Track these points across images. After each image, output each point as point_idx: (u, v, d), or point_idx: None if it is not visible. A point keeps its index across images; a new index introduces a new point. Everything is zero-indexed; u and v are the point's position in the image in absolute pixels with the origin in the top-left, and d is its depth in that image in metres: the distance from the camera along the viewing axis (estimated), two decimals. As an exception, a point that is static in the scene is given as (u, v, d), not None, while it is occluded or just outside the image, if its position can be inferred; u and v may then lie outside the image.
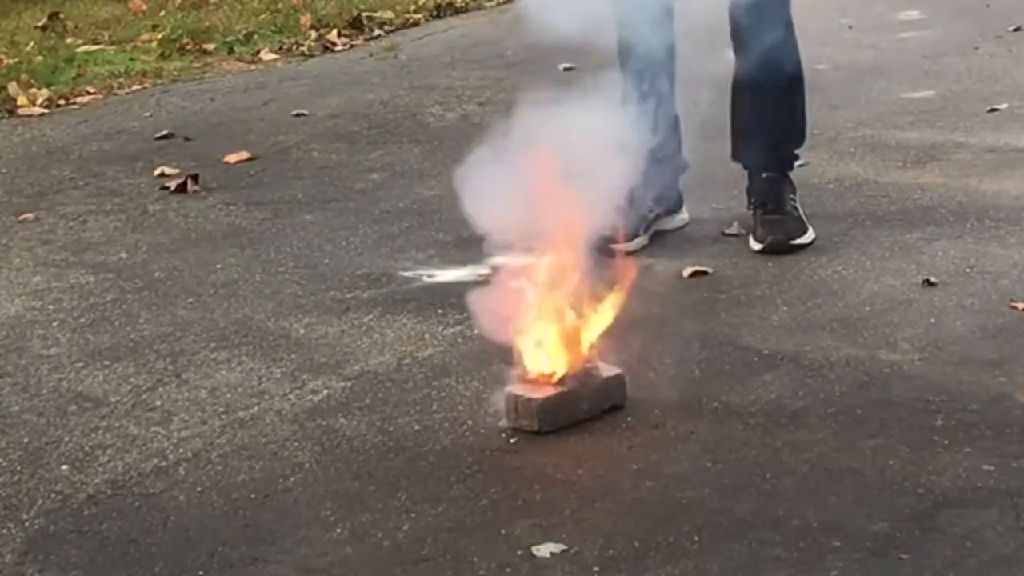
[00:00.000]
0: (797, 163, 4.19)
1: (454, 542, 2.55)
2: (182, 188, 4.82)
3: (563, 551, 2.49)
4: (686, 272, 3.77)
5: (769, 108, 4.04)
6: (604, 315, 3.04)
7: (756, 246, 3.94)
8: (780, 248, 3.90)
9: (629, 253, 3.70)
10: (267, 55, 7.13)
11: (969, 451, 2.74)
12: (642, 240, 4.00)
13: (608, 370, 3.01)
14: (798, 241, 3.93)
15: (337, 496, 2.74)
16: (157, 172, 5.04)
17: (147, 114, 6.00)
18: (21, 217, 4.66)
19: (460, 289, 3.73)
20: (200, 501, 2.76)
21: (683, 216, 4.20)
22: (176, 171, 5.00)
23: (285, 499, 2.75)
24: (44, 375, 3.41)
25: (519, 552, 2.50)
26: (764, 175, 4.07)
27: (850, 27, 6.81)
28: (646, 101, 3.72)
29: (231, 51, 7.19)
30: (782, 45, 3.95)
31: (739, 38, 3.98)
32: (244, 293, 3.86)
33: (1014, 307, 3.41)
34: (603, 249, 3.31)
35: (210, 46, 7.23)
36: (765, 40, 3.91)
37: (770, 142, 4.09)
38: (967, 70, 5.88)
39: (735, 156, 4.18)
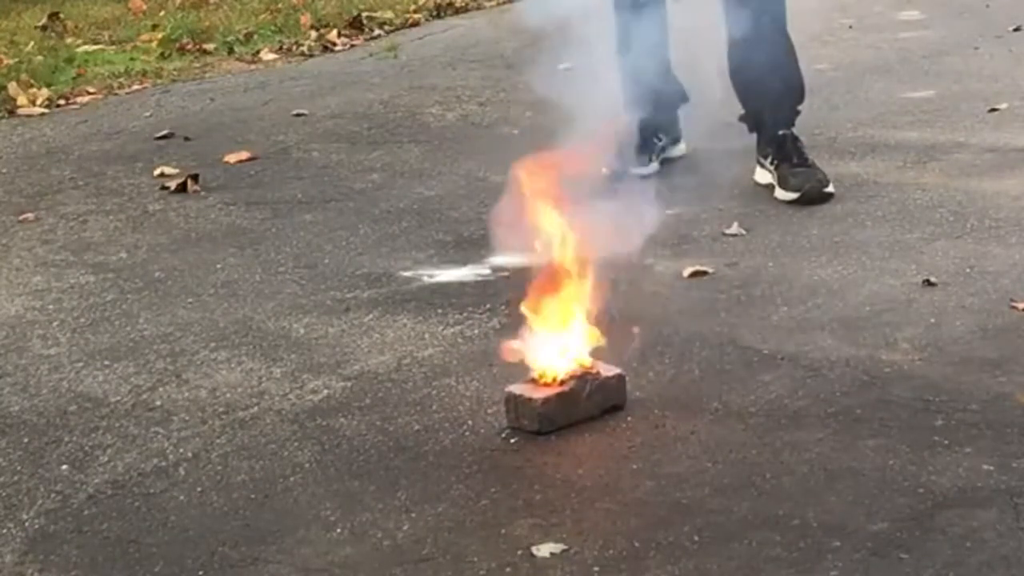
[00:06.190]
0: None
1: (454, 542, 2.55)
2: (182, 188, 4.82)
3: (563, 551, 2.49)
4: (686, 272, 3.77)
5: (767, 69, 4.27)
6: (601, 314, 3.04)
7: (790, 195, 4.22)
8: (815, 195, 4.20)
9: (644, 176, 4.18)
10: (267, 55, 7.12)
11: (969, 451, 2.74)
12: (655, 166, 4.44)
13: (608, 370, 3.01)
14: (829, 189, 4.25)
15: (337, 496, 2.74)
16: (157, 172, 5.04)
17: (147, 114, 6.00)
18: (21, 217, 4.66)
19: (460, 289, 3.74)
20: (200, 501, 2.76)
21: (683, 146, 4.64)
22: (176, 171, 5.00)
23: (285, 499, 2.75)
24: (44, 375, 3.41)
25: (519, 552, 2.50)
26: (779, 132, 4.33)
27: (850, 27, 6.80)
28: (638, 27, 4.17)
29: (231, 51, 7.19)
30: (767, 7, 4.25)
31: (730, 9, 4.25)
32: (244, 293, 3.86)
33: (1014, 307, 3.41)
34: (619, 176, 3.54)
35: (210, 46, 7.22)
36: (752, 5, 4.20)
37: (774, 101, 4.36)
38: (967, 70, 5.87)
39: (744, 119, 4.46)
